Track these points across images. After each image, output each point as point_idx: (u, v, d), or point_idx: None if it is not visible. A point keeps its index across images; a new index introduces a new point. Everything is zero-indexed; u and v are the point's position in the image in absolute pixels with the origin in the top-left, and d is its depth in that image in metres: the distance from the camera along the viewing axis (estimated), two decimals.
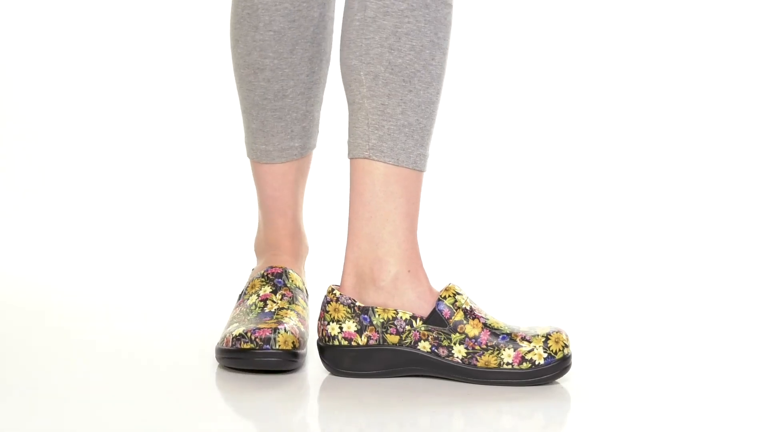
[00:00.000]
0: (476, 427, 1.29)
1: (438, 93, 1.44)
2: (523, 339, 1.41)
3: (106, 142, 2.51)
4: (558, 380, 1.43)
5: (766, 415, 1.35)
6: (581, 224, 2.36)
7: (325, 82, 1.59)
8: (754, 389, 1.46)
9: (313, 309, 1.60)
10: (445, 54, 1.44)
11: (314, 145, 1.60)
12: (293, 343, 1.43)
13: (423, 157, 1.44)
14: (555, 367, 1.40)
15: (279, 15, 1.50)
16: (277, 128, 1.55)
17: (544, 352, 1.40)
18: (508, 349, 1.40)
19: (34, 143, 2.50)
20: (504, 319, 1.49)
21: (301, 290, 1.54)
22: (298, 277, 1.55)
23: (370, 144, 1.42)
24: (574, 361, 1.44)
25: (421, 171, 1.44)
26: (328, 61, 1.57)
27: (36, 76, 2.55)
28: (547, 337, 1.41)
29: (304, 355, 1.46)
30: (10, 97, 2.53)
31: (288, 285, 1.53)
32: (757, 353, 1.66)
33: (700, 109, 2.50)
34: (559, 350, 1.40)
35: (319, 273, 1.72)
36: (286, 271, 1.54)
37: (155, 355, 1.56)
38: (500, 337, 1.40)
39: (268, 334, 1.41)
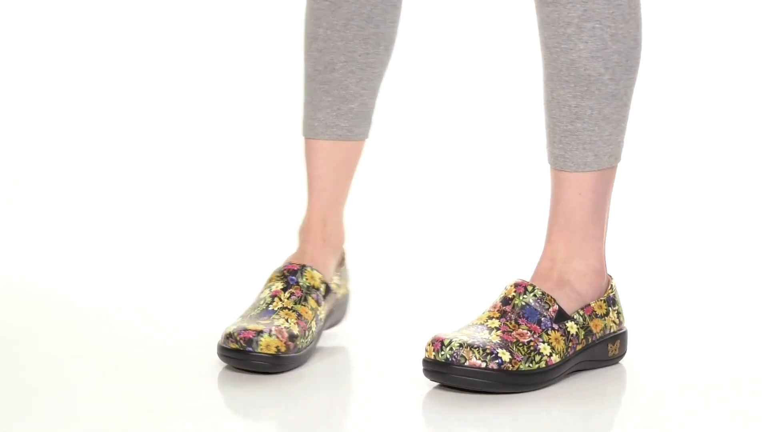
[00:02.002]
0: (474, 428, 1.29)
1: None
2: None
3: (108, 144, 2.51)
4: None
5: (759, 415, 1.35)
6: None
7: (383, 71, 1.58)
8: (751, 391, 1.45)
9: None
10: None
11: (364, 135, 1.59)
12: (277, 347, 1.43)
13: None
14: None
15: None
16: (323, 103, 1.56)
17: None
18: None
19: (36, 145, 2.51)
20: None
21: (316, 289, 1.52)
22: (316, 274, 1.52)
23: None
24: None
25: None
26: (387, 48, 1.57)
27: (36, 78, 2.55)
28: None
29: (294, 358, 1.46)
30: (10, 98, 2.53)
31: (300, 283, 1.52)
32: (755, 353, 1.65)
33: (699, 109, 2.49)
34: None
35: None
36: (303, 268, 1.52)
37: (156, 353, 1.57)
38: None
39: (251, 336, 1.43)
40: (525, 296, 1.42)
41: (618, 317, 1.50)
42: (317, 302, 1.51)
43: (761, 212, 2.32)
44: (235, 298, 1.69)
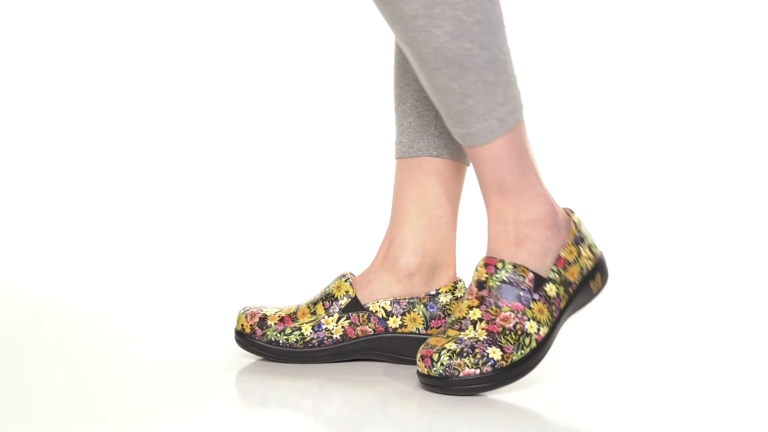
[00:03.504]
0: (474, 427, 1.29)
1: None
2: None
3: (109, 145, 2.52)
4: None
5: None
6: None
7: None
8: (746, 393, 1.45)
9: None
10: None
11: (426, 151, 1.52)
12: (242, 325, 1.52)
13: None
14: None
15: None
16: (395, 116, 1.53)
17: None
18: None
19: (37, 146, 2.51)
20: None
21: (336, 299, 1.51)
22: (344, 285, 1.52)
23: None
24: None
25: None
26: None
27: (39, 80, 2.55)
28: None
29: (250, 341, 1.51)
30: (11, 98, 2.54)
31: (326, 287, 1.53)
32: (750, 353, 1.65)
33: (699, 110, 2.49)
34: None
35: None
36: (340, 276, 1.53)
37: (157, 351, 1.58)
38: None
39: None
40: (498, 275, 1.39)
41: (590, 250, 1.46)
42: (326, 311, 1.51)
43: (759, 212, 2.32)
44: (234, 298, 1.70)
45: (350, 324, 1.50)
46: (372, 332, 1.51)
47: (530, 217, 1.42)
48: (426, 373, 1.36)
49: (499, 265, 1.40)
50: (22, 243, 2.28)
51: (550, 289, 1.41)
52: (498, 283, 1.39)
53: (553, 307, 1.40)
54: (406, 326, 1.51)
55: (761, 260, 2.20)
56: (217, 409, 1.32)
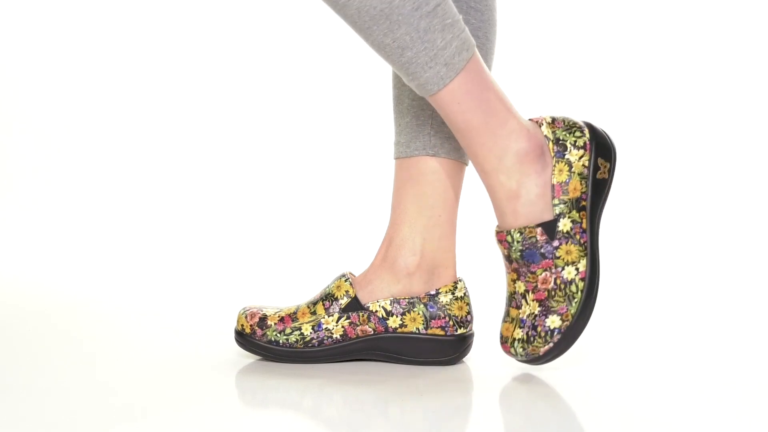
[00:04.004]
0: (476, 426, 1.29)
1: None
2: None
3: (111, 145, 2.52)
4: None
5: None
6: None
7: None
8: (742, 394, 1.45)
9: None
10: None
11: (423, 150, 1.52)
12: (242, 325, 1.52)
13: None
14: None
15: None
16: (394, 117, 1.54)
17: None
18: None
19: (40, 146, 2.51)
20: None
21: (336, 299, 1.52)
22: (344, 285, 1.52)
23: None
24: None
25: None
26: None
27: (40, 80, 2.55)
28: None
29: (250, 341, 1.52)
30: (13, 99, 2.54)
31: (326, 287, 1.53)
32: (747, 356, 1.65)
33: (700, 110, 2.49)
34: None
35: None
36: (340, 276, 1.53)
37: (159, 350, 1.57)
38: None
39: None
40: (513, 247, 1.39)
41: (576, 146, 1.41)
42: (326, 311, 1.51)
43: (756, 210, 2.32)
44: (234, 298, 1.70)
45: (350, 324, 1.50)
46: (372, 332, 1.51)
47: (512, 158, 1.39)
48: (515, 359, 1.43)
49: (509, 239, 1.40)
50: (24, 243, 2.28)
51: (564, 224, 1.38)
52: (517, 255, 1.40)
53: (577, 237, 1.38)
54: (406, 326, 1.51)
55: (760, 258, 2.20)
56: (217, 409, 1.32)
